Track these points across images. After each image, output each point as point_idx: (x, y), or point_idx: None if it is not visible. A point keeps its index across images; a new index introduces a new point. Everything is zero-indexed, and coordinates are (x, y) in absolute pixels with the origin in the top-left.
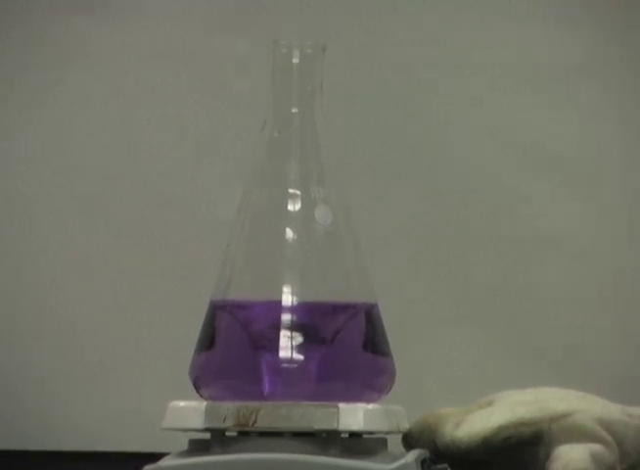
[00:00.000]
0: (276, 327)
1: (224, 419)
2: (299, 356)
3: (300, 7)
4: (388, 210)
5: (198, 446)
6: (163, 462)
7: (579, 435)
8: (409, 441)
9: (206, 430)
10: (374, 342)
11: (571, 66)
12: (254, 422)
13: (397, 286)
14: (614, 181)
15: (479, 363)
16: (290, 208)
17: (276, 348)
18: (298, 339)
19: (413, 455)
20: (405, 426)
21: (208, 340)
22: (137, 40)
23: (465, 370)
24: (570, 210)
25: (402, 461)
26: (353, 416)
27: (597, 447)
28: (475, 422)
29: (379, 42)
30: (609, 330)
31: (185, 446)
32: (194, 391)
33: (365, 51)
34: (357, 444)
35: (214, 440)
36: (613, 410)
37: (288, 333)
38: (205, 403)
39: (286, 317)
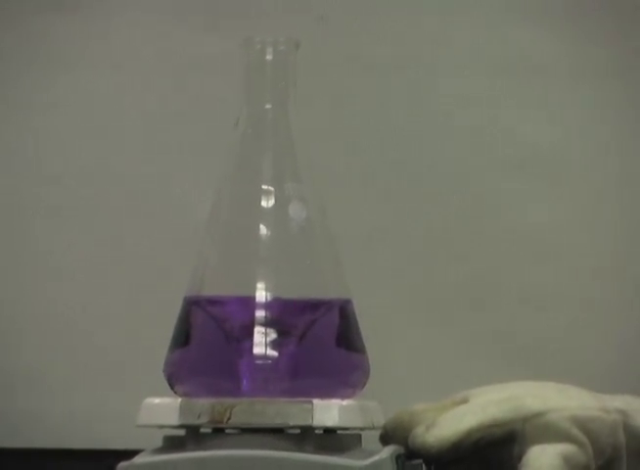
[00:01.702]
0: (250, 323)
1: (199, 416)
2: (274, 353)
3: (274, 4)
4: (362, 208)
5: (172, 443)
6: (138, 459)
7: (553, 435)
8: (384, 437)
9: (181, 426)
10: (348, 338)
11: (547, 63)
12: (229, 418)
13: (372, 283)
14: (591, 179)
15: (453, 359)
16: (264, 204)
17: (250, 344)
18: (273, 335)
19: (388, 451)
20: (380, 422)
21: (183, 336)
22: (107, 42)
23: (439, 365)
24: (547, 209)
25: (377, 457)
26: (328, 412)
27: (569, 448)
28: (445, 425)
29: (353, 39)
30: (586, 329)
31: (159, 442)
32: (168, 387)
33: (340, 48)
34: (332, 440)
35: (189, 436)
36: (589, 406)
37: (262, 329)
38: (179, 400)
39: (260, 313)
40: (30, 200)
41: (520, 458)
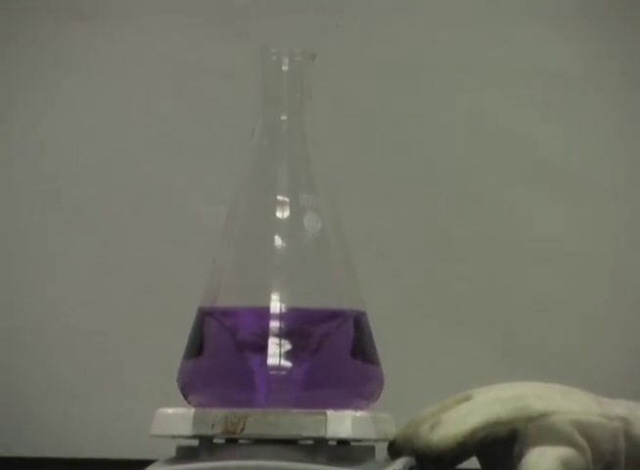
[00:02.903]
0: (264, 334)
1: (212, 426)
2: (288, 363)
3: (290, 13)
4: (378, 217)
5: (185, 453)
6: (151, 469)
7: (554, 437)
8: (394, 449)
9: (194, 437)
10: (362, 349)
11: (562, 71)
12: (242, 429)
13: (386, 293)
14: (604, 188)
15: (467, 371)
16: (279, 215)
17: (264, 355)
18: (287, 346)
19: (400, 463)
20: (393, 434)
21: (197, 347)
22: (122, 48)
23: (454, 378)
24: (556, 214)
25: (390, 469)
26: (341, 424)
27: (569, 452)
28: (449, 424)
29: (369, 49)
30: (593, 332)
31: (173, 453)
32: (182, 398)
33: (355, 57)
34: (345, 451)
35: (202, 447)
36: (592, 412)
37: (276, 340)
38: (192, 410)
39: (274, 324)
40: (34, 202)
41: (520, 458)
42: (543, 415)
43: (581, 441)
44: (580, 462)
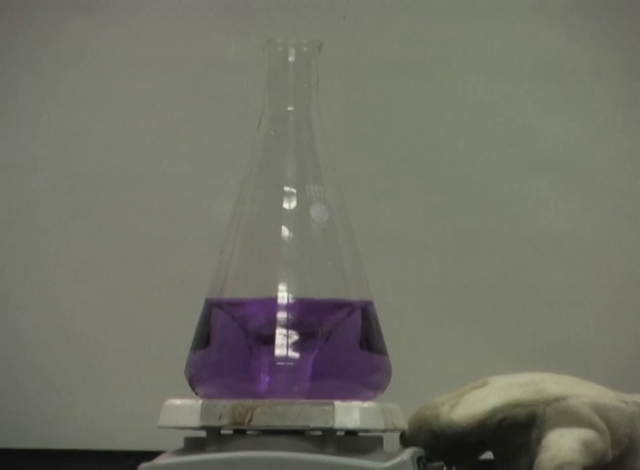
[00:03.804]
0: (272, 325)
1: (220, 417)
2: (295, 354)
3: (295, 5)
4: (384, 208)
5: (193, 445)
6: (159, 460)
7: (573, 420)
8: (407, 437)
9: (202, 428)
10: (370, 339)
11: (568, 65)
12: (250, 420)
13: (393, 284)
14: (611, 181)
15: (475, 361)
16: (286, 206)
17: (272, 345)
18: (294, 337)
19: (409, 453)
20: (401, 424)
21: (204, 338)
22: (129, 42)
23: (461, 368)
24: (566, 210)
25: (398, 459)
26: (349, 414)
27: (588, 434)
28: (469, 404)
29: (375, 40)
30: (606, 329)
31: (181, 444)
32: (189, 389)
33: (361, 49)
34: (353, 442)
35: (210, 438)
36: (608, 396)
37: (284, 331)
38: (200, 402)
39: (282, 315)
40: (38, 198)
41: (538, 442)
42: (561, 398)
43: (600, 423)
44: (600, 444)
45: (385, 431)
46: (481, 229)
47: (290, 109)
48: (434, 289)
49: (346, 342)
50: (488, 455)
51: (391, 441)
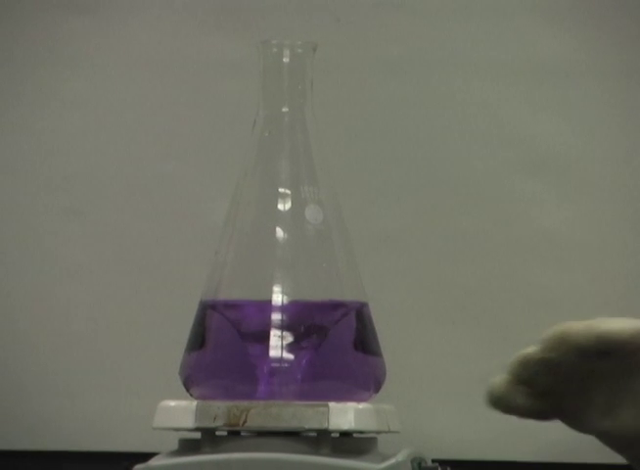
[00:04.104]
0: (266, 326)
1: (214, 418)
2: (290, 356)
3: (290, 6)
4: (379, 209)
5: (188, 446)
6: (154, 462)
7: None
8: (535, 360)
9: (197, 429)
10: (364, 341)
11: (565, 66)
12: (245, 422)
13: (388, 285)
14: (608, 182)
15: (470, 363)
16: (280, 207)
17: (266, 347)
18: (289, 338)
19: (404, 454)
20: (396, 425)
21: (199, 339)
22: (123, 44)
23: (456, 369)
24: (562, 211)
25: (393, 460)
26: (344, 416)
27: None
28: (619, 320)
29: (370, 41)
30: None
31: (175, 445)
32: (184, 390)
33: (356, 50)
34: (348, 443)
35: (205, 439)
36: None
37: (278, 332)
38: (195, 403)
39: (276, 316)
40: (35, 199)
41: None
42: None
43: None
44: None
45: (379, 432)
46: (477, 230)
47: (284, 110)
48: (428, 290)
49: (341, 343)
50: (487, 457)
51: (386, 442)
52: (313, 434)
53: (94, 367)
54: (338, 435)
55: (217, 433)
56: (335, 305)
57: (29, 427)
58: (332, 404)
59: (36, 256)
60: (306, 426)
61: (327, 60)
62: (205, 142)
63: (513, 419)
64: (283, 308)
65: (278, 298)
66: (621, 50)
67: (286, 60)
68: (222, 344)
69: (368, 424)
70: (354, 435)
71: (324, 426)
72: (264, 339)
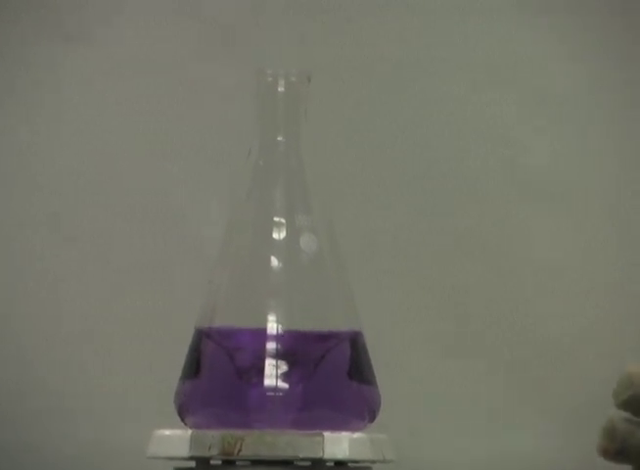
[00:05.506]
0: (261, 355)
1: (209, 448)
2: (284, 385)
3: (285, 33)
4: (376, 234)
5: None
6: None
7: None
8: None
9: (191, 458)
10: (359, 370)
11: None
12: (240, 450)
13: (383, 312)
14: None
15: (466, 392)
16: (275, 235)
17: (261, 376)
18: (283, 367)
19: None
20: (390, 455)
21: (193, 368)
22: (118, 68)
23: (451, 398)
24: (560, 229)
25: None
26: (338, 445)
27: None
28: None
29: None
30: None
31: None
32: (178, 419)
33: (349, 78)
34: None
35: (199, 468)
36: None
37: (273, 361)
38: (189, 432)
39: (271, 345)
40: (28, 213)
41: None
42: None
43: None
44: None
45: (374, 462)
46: (478, 254)
47: (279, 139)
48: (425, 317)
49: (336, 372)
50: None
51: None
52: (308, 463)
53: (87, 395)
54: (332, 464)
55: (212, 462)
56: (329, 334)
57: (20, 456)
58: (327, 434)
59: (26, 273)
60: (301, 455)
61: (322, 86)
62: (200, 170)
63: (508, 447)
64: (277, 337)
65: (272, 326)
66: (620, 71)
67: (281, 89)
68: (216, 372)
69: (363, 453)
70: (349, 464)
71: (319, 455)
72: (259, 368)
